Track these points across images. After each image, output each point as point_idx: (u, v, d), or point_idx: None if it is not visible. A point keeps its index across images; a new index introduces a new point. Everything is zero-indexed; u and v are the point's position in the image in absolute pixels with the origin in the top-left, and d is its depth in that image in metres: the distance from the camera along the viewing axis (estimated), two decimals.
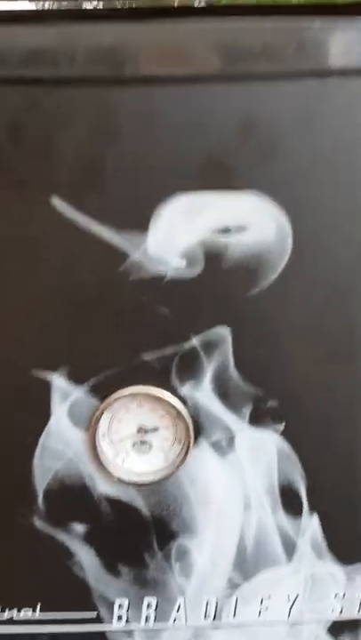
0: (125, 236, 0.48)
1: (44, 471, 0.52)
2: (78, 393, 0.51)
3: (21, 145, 0.46)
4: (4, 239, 0.48)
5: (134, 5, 0.47)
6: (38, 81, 0.45)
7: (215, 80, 0.46)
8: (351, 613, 0.56)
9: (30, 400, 0.51)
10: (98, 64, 0.45)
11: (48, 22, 0.46)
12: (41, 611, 0.54)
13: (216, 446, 0.52)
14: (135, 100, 0.46)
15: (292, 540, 0.54)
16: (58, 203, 0.47)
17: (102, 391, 0.51)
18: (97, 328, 0.50)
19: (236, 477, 0.53)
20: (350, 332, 0.51)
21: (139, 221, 0.47)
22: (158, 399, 0.51)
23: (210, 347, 0.50)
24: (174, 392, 0.51)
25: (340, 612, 0.56)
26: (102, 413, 0.51)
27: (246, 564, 0.54)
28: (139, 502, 0.53)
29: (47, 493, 0.52)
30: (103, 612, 0.55)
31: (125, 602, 0.54)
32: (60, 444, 0.51)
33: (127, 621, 0.55)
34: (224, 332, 0.50)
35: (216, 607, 0.55)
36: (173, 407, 0.51)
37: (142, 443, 0.53)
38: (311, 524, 0.54)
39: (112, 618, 0.55)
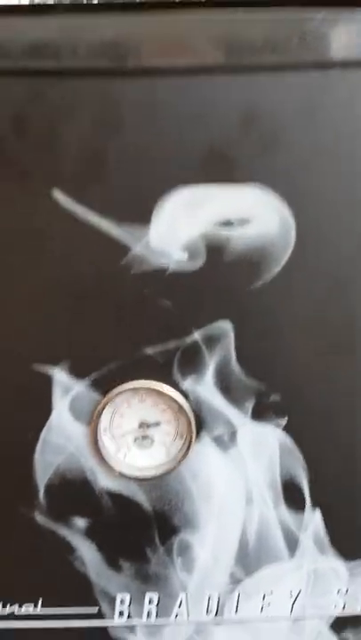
0: (127, 228, 0.47)
1: (45, 466, 0.51)
2: (80, 387, 0.50)
3: (24, 136, 0.46)
4: (6, 231, 0.48)
5: None
6: (41, 73, 0.45)
7: (217, 72, 0.46)
8: (354, 609, 0.56)
9: (31, 394, 0.51)
10: (100, 56, 0.45)
11: (51, 14, 0.46)
12: (42, 606, 0.54)
13: (218, 441, 0.52)
14: (138, 91, 0.46)
15: (295, 535, 0.54)
16: (60, 195, 0.47)
17: (104, 385, 0.51)
18: (98, 321, 0.50)
19: (238, 472, 0.52)
20: (353, 325, 0.50)
21: (141, 214, 0.47)
22: (160, 393, 0.51)
23: (212, 341, 0.50)
24: (176, 386, 0.51)
25: (343, 607, 0.56)
26: (104, 408, 0.51)
27: (248, 560, 0.54)
28: (140, 497, 0.53)
29: (48, 488, 0.52)
30: (105, 608, 0.54)
31: (127, 597, 0.54)
32: (62, 439, 0.51)
33: (129, 617, 0.55)
34: (226, 326, 0.50)
35: (218, 603, 0.55)
36: (175, 401, 0.51)
37: (144, 437, 0.53)
38: (314, 519, 0.53)
39: (114, 613, 0.55)
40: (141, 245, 0.48)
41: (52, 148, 0.46)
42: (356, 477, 0.54)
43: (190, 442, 0.52)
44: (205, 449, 0.52)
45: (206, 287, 0.49)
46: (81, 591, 0.54)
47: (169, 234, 0.48)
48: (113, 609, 0.54)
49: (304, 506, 0.53)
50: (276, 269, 0.48)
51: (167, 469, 0.52)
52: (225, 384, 0.51)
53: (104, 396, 0.51)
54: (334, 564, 0.55)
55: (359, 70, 0.46)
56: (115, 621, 0.55)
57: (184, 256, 0.48)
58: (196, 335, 0.50)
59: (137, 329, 0.50)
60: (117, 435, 0.52)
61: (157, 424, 0.52)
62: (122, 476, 0.52)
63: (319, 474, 0.53)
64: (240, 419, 0.52)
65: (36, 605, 0.54)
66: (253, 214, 0.47)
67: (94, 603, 0.54)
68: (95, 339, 0.50)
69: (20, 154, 0.46)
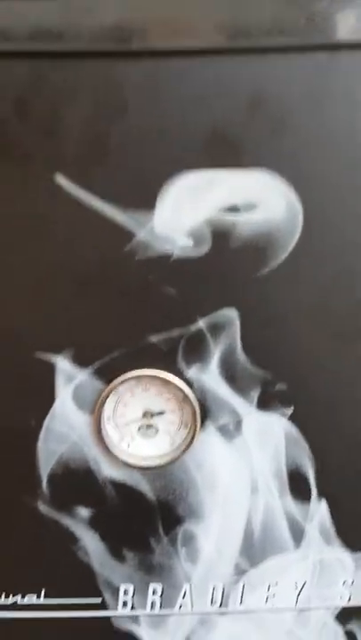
0: (131, 214, 0.47)
1: (48, 455, 0.51)
2: (83, 375, 0.50)
3: (27, 120, 0.45)
4: (8, 217, 0.47)
5: None
6: (44, 55, 0.45)
7: (223, 54, 0.45)
8: (359, 601, 0.56)
9: (35, 383, 0.50)
10: (105, 38, 0.45)
11: None
12: (45, 596, 0.54)
13: (223, 430, 0.52)
14: (142, 74, 0.45)
15: (300, 526, 0.53)
16: (63, 180, 0.46)
17: (107, 374, 0.50)
18: (102, 309, 0.49)
19: (244, 461, 0.52)
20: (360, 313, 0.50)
21: (145, 199, 0.46)
22: (164, 382, 0.51)
23: (217, 329, 0.50)
24: (180, 375, 0.50)
25: (349, 599, 0.56)
26: (107, 396, 0.50)
27: (253, 550, 0.54)
28: (144, 486, 0.52)
29: (51, 477, 0.51)
30: (108, 598, 0.54)
31: (131, 587, 0.54)
32: (65, 428, 0.51)
33: (132, 607, 0.54)
34: (232, 314, 0.49)
35: (223, 593, 0.54)
36: (180, 390, 0.51)
37: (148, 427, 0.52)
38: (319, 510, 0.53)
39: (117, 604, 0.54)
40: (146, 231, 0.47)
41: (55, 131, 0.45)
42: None
43: (195, 431, 0.51)
44: (210, 438, 0.52)
45: (212, 274, 0.48)
46: (84, 581, 0.53)
47: (174, 219, 0.47)
48: (116, 599, 0.54)
49: (310, 496, 0.53)
50: (283, 256, 0.48)
51: (171, 459, 0.52)
52: (230, 373, 0.50)
53: (107, 385, 0.50)
54: (340, 555, 0.54)
55: None
56: (118, 612, 0.54)
57: (189, 242, 0.48)
58: (201, 323, 0.49)
59: (141, 316, 0.49)
60: (121, 424, 0.52)
61: (162, 413, 0.52)
62: (126, 465, 0.51)
63: (325, 464, 0.52)
64: (245, 408, 0.51)
65: (38, 595, 0.54)
66: (260, 199, 0.47)
67: (98, 593, 0.54)
68: (98, 326, 0.49)
69: (23, 137, 0.46)
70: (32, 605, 0.54)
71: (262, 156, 0.46)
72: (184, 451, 0.52)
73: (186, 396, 0.51)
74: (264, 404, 0.51)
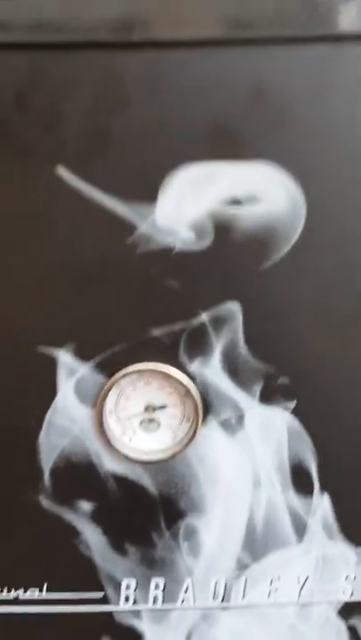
0: (133, 206, 0.47)
1: (50, 448, 0.51)
2: (85, 369, 0.50)
3: (26, 112, 0.45)
4: (8, 210, 0.47)
5: None
6: (44, 47, 0.44)
7: (225, 45, 0.45)
8: None
9: (36, 376, 0.50)
10: (105, 29, 0.44)
11: None
12: (47, 591, 0.54)
13: (225, 424, 0.51)
14: (143, 65, 0.45)
15: (303, 520, 0.53)
16: (64, 172, 0.46)
17: (109, 368, 0.50)
18: (104, 302, 0.49)
19: (246, 456, 0.52)
20: None
21: (146, 192, 0.46)
22: (166, 376, 0.50)
23: (219, 322, 0.49)
24: (183, 369, 0.50)
25: (351, 594, 0.55)
26: (109, 390, 0.50)
27: (256, 545, 0.53)
28: (146, 480, 0.52)
29: (53, 471, 0.51)
30: (110, 593, 0.54)
31: (133, 582, 0.54)
32: (67, 421, 0.51)
33: (134, 602, 0.54)
34: (234, 308, 0.49)
35: (225, 588, 0.54)
36: (182, 384, 0.50)
37: (150, 421, 0.52)
38: (322, 504, 0.53)
39: (119, 598, 0.54)
40: (147, 224, 0.47)
41: (55, 123, 0.45)
42: None
43: (197, 425, 0.51)
44: (212, 432, 0.51)
45: (214, 267, 0.48)
46: (86, 576, 0.53)
47: (176, 212, 0.47)
48: (118, 594, 0.54)
49: (312, 490, 0.52)
50: (286, 248, 0.47)
51: (173, 453, 0.52)
52: (232, 367, 0.50)
53: (109, 379, 0.50)
54: (343, 550, 0.54)
55: None
56: (120, 606, 0.54)
57: (191, 235, 0.47)
58: (204, 317, 0.49)
59: (143, 310, 0.49)
60: (123, 418, 0.52)
61: (164, 407, 0.52)
62: (127, 459, 0.51)
63: (328, 458, 0.52)
64: (248, 402, 0.51)
65: (40, 590, 0.54)
66: (262, 192, 0.46)
67: (100, 588, 0.54)
68: (100, 320, 0.49)
69: (23, 130, 0.45)
70: (34, 600, 0.54)
71: (264, 147, 0.46)
72: (186, 445, 0.51)
73: (188, 390, 0.51)
74: (266, 397, 0.51)
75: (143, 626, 0.55)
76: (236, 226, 0.47)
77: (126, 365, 0.50)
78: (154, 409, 0.52)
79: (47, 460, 0.51)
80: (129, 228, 0.47)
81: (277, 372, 0.50)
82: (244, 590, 0.54)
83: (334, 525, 0.53)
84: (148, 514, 0.52)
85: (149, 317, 0.49)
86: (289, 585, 0.55)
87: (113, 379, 0.50)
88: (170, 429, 0.52)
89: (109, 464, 0.52)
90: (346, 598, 0.56)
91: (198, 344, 0.50)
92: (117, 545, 0.53)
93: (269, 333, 0.50)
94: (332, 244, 0.48)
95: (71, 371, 0.50)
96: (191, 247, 0.48)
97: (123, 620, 0.55)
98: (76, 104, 0.45)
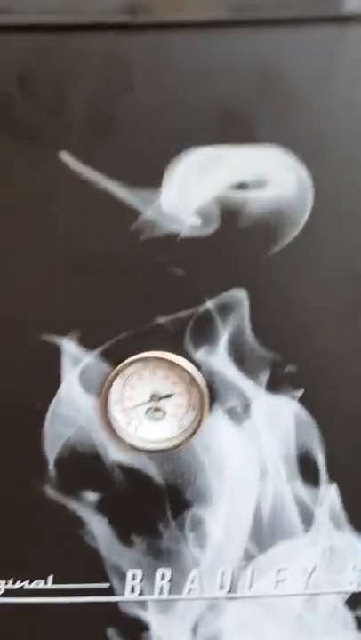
0: (138, 192, 0.46)
1: (54, 438, 0.50)
2: (89, 358, 0.49)
3: (30, 96, 0.44)
4: (13, 196, 0.46)
5: None
6: (48, 29, 0.44)
7: (231, 27, 0.44)
8: None
9: (41, 366, 0.50)
10: (110, 11, 0.44)
11: None
12: (52, 582, 0.53)
13: (231, 413, 0.51)
14: (148, 48, 0.44)
15: (310, 510, 0.52)
16: (68, 158, 0.45)
17: (114, 356, 0.49)
18: (108, 290, 0.48)
19: (252, 445, 0.51)
20: None
21: (151, 176, 0.46)
22: (172, 365, 0.50)
23: (225, 310, 0.49)
24: (188, 357, 0.50)
25: (359, 584, 0.55)
26: (114, 379, 0.50)
27: (262, 535, 0.53)
28: (152, 470, 0.52)
29: (58, 461, 0.51)
30: (116, 583, 0.53)
31: (139, 573, 0.53)
32: (72, 411, 0.50)
33: (140, 593, 0.54)
34: (240, 295, 0.48)
35: (231, 578, 0.54)
36: (187, 373, 0.50)
37: (156, 410, 0.51)
38: (329, 494, 0.52)
39: (125, 589, 0.54)
40: (152, 210, 0.46)
41: (59, 108, 0.45)
42: None
43: (203, 414, 0.50)
44: (218, 421, 0.51)
45: (220, 253, 0.48)
46: (92, 566, 0.53)
47: (181, 197, 0.46)
48: (124, 584, 0.54)
49: (320, 480, 0.52)
50: (294, 233, 0.47)
51: (179, 442, 0.51)
52: (239, 355, 0.50)
53: (114, 368, 0.50)
54: (350, 541, 0.54)
55: None
56: (126, 597, 0.54)
57: (197, 221, 0.47)
58: (209, 304, 0.49)
59: (148, 297, 0.49)
60: (128, 407, 0.51)
61: (169, 396, 0.51)
62: (133, 449, 0.51)
63: (336, 447, 0.51)
64: (254, 390, 0.50)
65: (46, 581, 0.53)
66: (269, 176, 0.46)
67: (105, 578, 0.53)
68: (105, 308, 0.49)
69: (27, 114, 0.45)
70: (39, 590, 0.53)
71: (270, 131, 0.45)
72: (192, 434, 0.51)
73: (194, 379, 0.50)
74: (273, 386, 0.50)
75: (149, 616, 0.54)
76: (243, 211, 0.46)
77: (131, 354, 0.49)
78: (159, 398, 0.51)
79: (52, 450, 0.51)
80: (133, 213, 0.46)
81: (284, 360, 0.50)
82: (251, 581, 0.54)
83: (342, 515, 0.53)
84: (154, 504, 0.52)
85: (154, 305, 0.49)
86: (296, 575, 0.54)
87: (118, 368, 0.49)
88: (175, 418, 0.52)
89: (115, 454, 0.51)
90: (353, 589, 0.55)
91: (204, 332, 0.49)
92: (123, 535, 0.53)
93: (276, 321, 0.49)
94: (340, 229, 0.47)
95: (76, 360, 0.49)
96: (197, 233, 0.47)
97: (128, 611, 0.54)
98: (80, 88, 0.44)
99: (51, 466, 0.51)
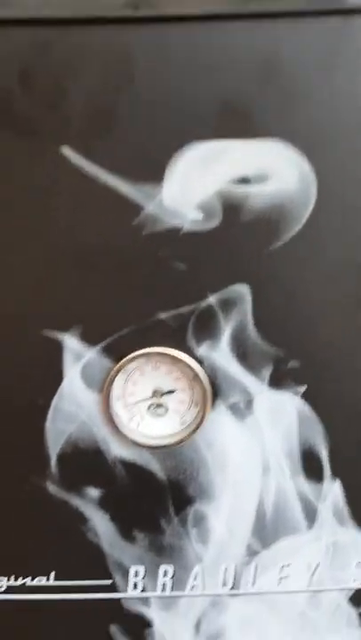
0: (139, 187, 0.46)
1: (56, 434, 0.50)
2: (91, 354, 0.49)
3: (31, 90, 0.44)
4: (12, 191, 0.46)
5: None
6: (48, 23, 0.43)
7: (234, 20, 0.44)
8: None
9: (42, 361, 0.49)
10: (112, 4, 0.43)
11: None
12: (55, 578, 0.53)
13: (234, 409, 0.51)
14: (150, 41, 0.44)
15: (313, 506, 0.52)
16: (69, 152, 0.45)
17: (116, 352, 0.49)
18: (110, 285, 0.48)
19: (255, 441, 0.51)
20: None
21: (153, 171, 0.45)
22: (174, 361, 0.50)
23: (228, 305, 0.49)
24: (190, 353, 0.50)
25: None
26: (116, 375, 0.50)
27: (265, 531, 0.53)
28: (154, 466, 0.51)
29: (60, 457, 0.51)
30: (118, 580, 0.53)
31: (141, 569, 0.53)
32: (74, 407, 0.50)
33: (143, 589, 0.54)
34: (243, 290, 0.48)
35: (234, 575, 0.54)
36: (190, 369, 0.50)
37: (158, 406, 0.51)
38: (333, 490, 0.52)
39: (127, 585, 0.54)
40: (154, 204, 0.46)
41: (59, 102, 0.44)
42: None
43: (205, 410, 0.50)
44: (221, 417, 0.51)
45: (222, 248, 0.47)
46: (94, 563, 0.53)
47: (183, 192, 0.46)
48: (127, 581, 0.53)
49: (323, 476, 0.52)
50: (296, 228, 0.46)
51: (182, 438, 0.51)
52: (241, 350, 0.49)
53: (116, 363, 0.49)
54: (354, 537, 0.53)
55: None
56: (128, 593, 0.54)
57: (199, 215, 0.46)
58: (212, 299, 0.48)
59: (150, 292, 0.48)
60: (130, 403, 0.51)
61: (171, 392, 0.51)
62: (135, 445, 0.51)
63: (339, 443, 0.51)
64: (257, 386, 0.50)
65: (48, 577, 0.53)
66: (272, 170, 0.45)
67: (108, 575, 0.53)
68: (107, 303, 0.49)
69: (27, 109, 0.45)
70: (41, 587, 0.53)
71: (274, 124, 0.45)
72: (194, 430, 0.51)
73: (196, 375, 0.50)
74: (276, 382, 0.50)
75: (152, 613, 0.54)
76: (245, 205, 0.46)
77: (133, 350, 0.49)
78: (162, 394, 0.51)
79: (54, 446, 0.50)
80: (135, 208, 0.46)
81: (287, 355, 0.50)
82: (254, 577, 0.54)
83: (345, 511, 0.53)
84: (157, 500, 0.52)
85: (157, 300, 0.48)
86: (299, 572, 0.54)
87: (120, 363, 0.49)
88: (178, 414, 0.51)
89: (117, 450, 0.51)
90: (357, 585, 0.55)
91: (206, 327, 0.49)
92: (126, 531, 0.52)
93: (279, 316, 0.49)
94: (343, 222, 0.47)
95: (78, 355, 0.49)
96: (199, 228, 0.47)
97: (131, 608, 0.54)
98: (80, 82, 0.44)
99: (53, 462, 0.51)
